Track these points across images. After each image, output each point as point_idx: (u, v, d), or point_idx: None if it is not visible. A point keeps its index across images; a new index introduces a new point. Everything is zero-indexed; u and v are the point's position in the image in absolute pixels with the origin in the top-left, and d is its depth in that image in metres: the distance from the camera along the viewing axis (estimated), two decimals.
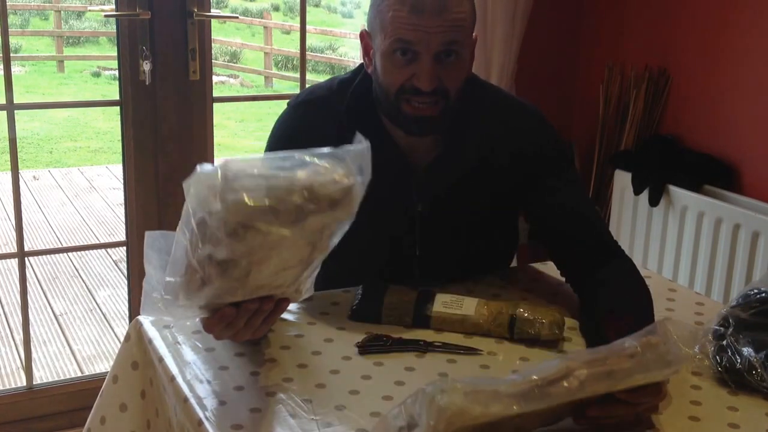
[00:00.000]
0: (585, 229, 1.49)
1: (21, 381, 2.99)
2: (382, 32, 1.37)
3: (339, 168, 1.03)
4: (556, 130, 1.54)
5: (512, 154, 1.48)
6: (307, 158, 1.04)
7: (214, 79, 3.33)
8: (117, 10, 2.32)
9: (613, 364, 1.02)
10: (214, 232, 0.98)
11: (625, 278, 1.43)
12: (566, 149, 1.55)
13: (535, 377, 1.00)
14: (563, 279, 1.56)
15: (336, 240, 1.08)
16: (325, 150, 1.05)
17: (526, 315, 1.33)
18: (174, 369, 1.21)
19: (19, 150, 2.54)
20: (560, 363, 1.02)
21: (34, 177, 6.76)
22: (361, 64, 1.52)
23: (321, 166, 1.03)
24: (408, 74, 1.37)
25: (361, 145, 1.05)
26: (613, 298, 1.36)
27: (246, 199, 0.97)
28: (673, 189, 2.60)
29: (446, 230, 1.52)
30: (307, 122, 1.50)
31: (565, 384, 1.00)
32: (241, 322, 1.09)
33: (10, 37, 2.31)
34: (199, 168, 1.00)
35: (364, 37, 1.46)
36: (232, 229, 0.97)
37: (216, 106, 2.52)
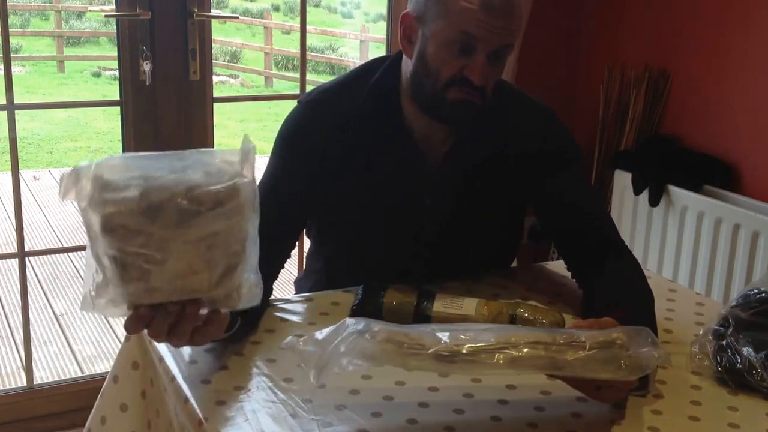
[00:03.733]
0: (592, 225, 1.50)
1: (21, 381, 2.99)
2: (446, 20, 1.36)
3: (227, 167, 1.00)
4: (567, 129, 1.55)
5: (523, 150, 1.49)
6: (196, 157, 1.01)
7: (215, 79, 3.33)
8: (117, 11, 2.32)
9: (557, 353, 1.02)
10: (97, 232, 0.95)
11: (625, 274, 1.44)
12: (576, 147, 1.56)
13: (467, 347, 1.01)
14: (565, 278, 1.56)
15: (249, 242, 1.03)
16: (215, 150, 1.04)
17: (526, 315, 1.33)
18: (174, 369, 1.21)
19: (19, 150, 2.54)
20: (502, 335, 1.02)
21: (35, 177, 6.77)
22: (377, 58, 1.52)
23: (208, 167, 1.00)
24: (460, 65, 1.38)
25: (248, 145, 1.03)
26: (611, 291, 1.37)
27: (120, 199, 0.94)
28: (673, 189, 2.61)
29: (453, 226, 1.53)
30: (314, 121, 1.50)
31: (498, 357, 1.01)
32: (162, 327, 1.02)
33: (10, 37, 2.31)
34: (77, 165, 0.97)
35: (411, 21, 1.43)
36: (111, 228, 0.95)
37: (216, 106, 2.52)
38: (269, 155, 1.52)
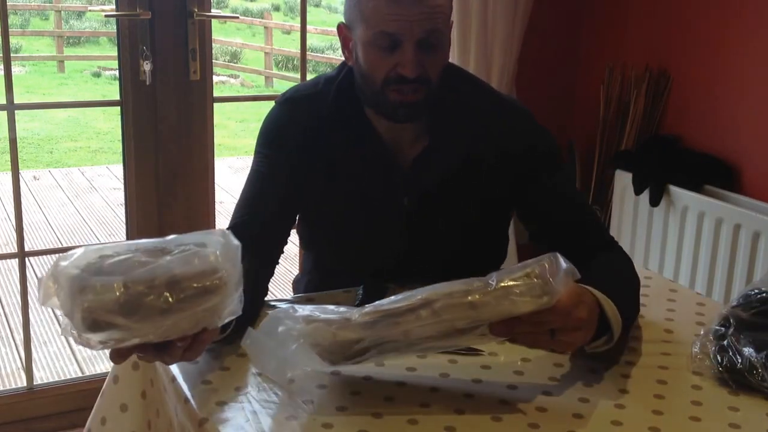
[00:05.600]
0: (577, 226, 1.48)
1: (21, 381, 2.99)
2: (363, 23, 1.37)
3: (209, 257, 1.00)
4: (546, 129, 1.53)
5: (500, 152, 1.47)
6: (178, 247, 1.01)
7: (215, 79, 3.33)
8: (117, 10, 2.32)
9: (473, 298, 1.05)
10: (78, 326, 0.96)
11: (614, 264, 1.43)
12: (555, 148, 1.54)
13: (384, 308, 1.07)
14: None
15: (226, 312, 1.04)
16: (196, 236, 1.04)
17: None
18: (175, 369, 1.20)
19: (19, 150, 2.54)
20: (420, 295, 1.07)
21: (35, 177, 6.76)
22: (345, 61, 1.52)
23: (190, 254, 0.99)
24: (392, 63, 1.37)
25: (233, 241, 1.03)
26: (596, 277, 1.34)
27: (98, 300, 0.94)
28: (674, 189, 2.60)
29: (435, 227, 1.52)
30: (292, 119, 1.51)
31: (420, 313, 1.05)
32: (150, 357, 1.05)
33: (10, 37, 2.31)
34: (56, 263, 0.98)
35: (342, 30, 1.46)
36: (90, 324, 0.95)
37: (216, 106, 2.52)
38: (252, 155, 1.54)
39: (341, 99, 1.48)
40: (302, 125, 1.49)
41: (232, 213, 1.51)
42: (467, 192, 1.50)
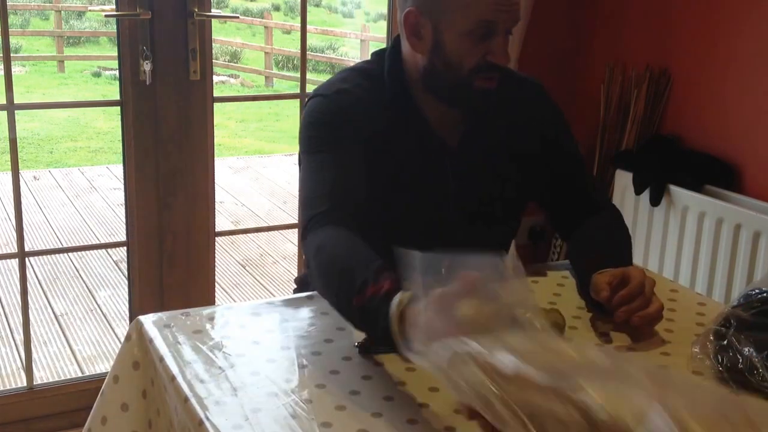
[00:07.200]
0: (578, 187, 1.64)
1: (21, 381, 2.99)
2: (458, 11, 1.40)
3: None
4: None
5: (528, 125, 1.59)
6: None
7: (215, 78, 3.33)
8: (117, 10, 2.32)
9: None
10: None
11: (605, 224, 1.61)
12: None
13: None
14: (565, 278, 1.56)
15: None
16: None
17: (527, 316, 1.32)
18: (175, 369, 1.21)
19: (19, 150, 2.54)
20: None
21: (35, 177, 6.76)
22: (375, 52, 1.57)
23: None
24: (482, 51, 1.42)
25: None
26: (592, 241, 1.56)
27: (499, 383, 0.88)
28: (674, 189, 2.60)
29: (477, 208, 1.57)
30: (341, 111, 1.48)
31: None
32: None
33: (10, 37, 2.31)
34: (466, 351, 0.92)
35: (416, 17, 1.45)
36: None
37: (216, 106, 2.51)
38: (308, 155, 1.48)
39: (394, 86, 1.51)
40: (352, 115, 1.47)
41: (304, 207, 1.43)
42: (506, 171, 1.58)
